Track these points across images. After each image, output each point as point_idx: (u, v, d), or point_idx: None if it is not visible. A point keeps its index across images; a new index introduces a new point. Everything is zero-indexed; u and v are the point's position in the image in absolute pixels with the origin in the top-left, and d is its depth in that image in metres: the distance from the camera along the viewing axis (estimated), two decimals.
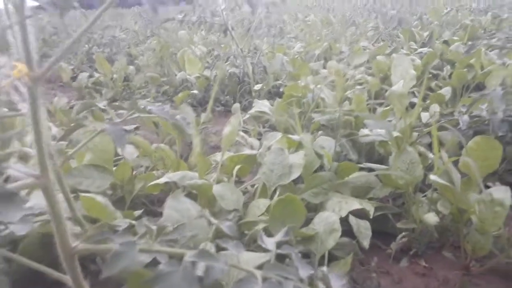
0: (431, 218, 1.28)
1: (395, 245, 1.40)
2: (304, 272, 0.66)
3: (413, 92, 2.88)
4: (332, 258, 1.31)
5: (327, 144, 1.69)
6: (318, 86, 2.18)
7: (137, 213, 1.37)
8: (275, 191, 1.45)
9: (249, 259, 0.88)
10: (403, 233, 1.41)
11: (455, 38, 4.00)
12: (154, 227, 0.84)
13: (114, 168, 1.58)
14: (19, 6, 0.51)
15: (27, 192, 1.18)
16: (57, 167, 0.95)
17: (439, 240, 1.44)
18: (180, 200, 1.17)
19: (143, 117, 1.26)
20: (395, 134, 1.59)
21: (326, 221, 1.25)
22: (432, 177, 1.24)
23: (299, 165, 1.48)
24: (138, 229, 0.99)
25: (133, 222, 1.05)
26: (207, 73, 3.57)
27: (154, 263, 0.94)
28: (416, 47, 4.09)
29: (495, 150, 1.41)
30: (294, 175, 1.46)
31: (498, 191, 1.27)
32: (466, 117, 1.76)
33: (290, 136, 1.58)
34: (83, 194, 1.14)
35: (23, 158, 1.37)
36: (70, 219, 1.04)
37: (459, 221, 1.31)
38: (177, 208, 1.13)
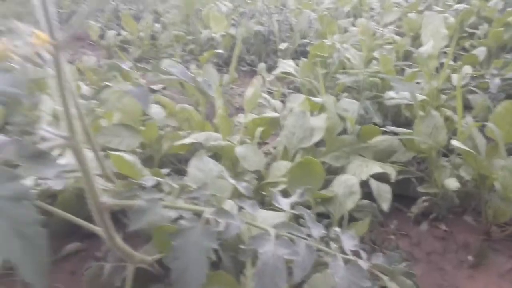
0: (452, 183, 1.27)
1: (415, 209, 1.42)
2: (316, 231, 0.69)
3: (445, 52, 2.77)
4: (352, 219, 1.34)
5: (350, 106, 1.68)
6: (344, 45, 2.12)
7: (165, 171, 1.42)
8: (296, 153, 1.47)
9: (267, 217, 0.92)
10: (424, 197, 1.41)
11: None
12: (177, 186, 0.88)
13: (142, 128, 1.63)
14: None
15: (61, 151, 1.25)
16: (87, 126, 1.00)
17: (461, 205, 1.44)
18: (204, 160, 1.22)
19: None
20: (421, 97, 1.56)
21: (345, 184, 1.27)
22: (454, 142, 1.23)
23: (321, 128, 1.49)
24: (164, 186, 1.05)
25: (160, 179, 1.11)
26: (232, 31, 3.53)
27: (180, 219, 1.00)
28: (452, 3, 3.88)
29: None
30: (316, 138, 1.48)
31: None
32: (497, 80, 1.70)
33: (313, 98, 1.58)
34: (112, 152, 1.19)
35: (56, 117, 1.44)
36: (101, 175, 1.11)
37: (481, 187, 1.31)
38: (201, 168, 1.17)
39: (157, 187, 1.07)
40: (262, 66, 2.93)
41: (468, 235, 1.35)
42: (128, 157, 1.18)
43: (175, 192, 0.80)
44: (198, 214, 0.68)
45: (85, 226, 0.82)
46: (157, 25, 3.97)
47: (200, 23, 3.92)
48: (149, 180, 1.05)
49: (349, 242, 0.73)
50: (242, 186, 0.77)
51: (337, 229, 0.77)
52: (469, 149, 1.22)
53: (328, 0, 4.77)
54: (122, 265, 1.02)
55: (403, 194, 1.52)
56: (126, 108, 1.59)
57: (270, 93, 2.48)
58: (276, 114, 1.59)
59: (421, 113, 1.53)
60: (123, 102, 1.65)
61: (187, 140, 1.47)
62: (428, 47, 2.05)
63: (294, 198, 0.77)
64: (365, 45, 2.22)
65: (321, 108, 1.61)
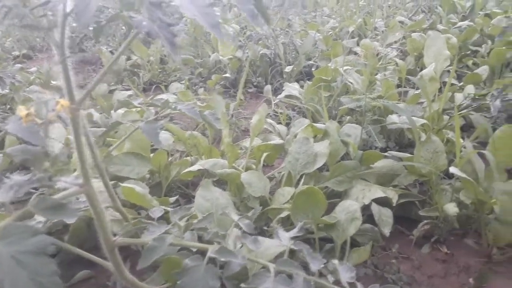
0: (451, 208, 1.31)
1: (417, 232, 1.45)
2: (315, 265, 0.73)
3: (449, 71, 2.81)
4: (354, 243, 1.38)
5: (353, 131, 1.73)
6: (345, 69, 2.18)
7: (172, 199, 1.48)
8: (300, 178, 1.52)
9: (269, 247, 0.96)
10: (426, 220, 1.44)
11: (497, 10, 3.78)
12: (182, 225, 0.93)
13: (151, 155, 1.70)
14: (60, 45, 0.59)
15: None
16: (99, 163, 1.06)
17: (462, 227, 1.47)
18: (210, 189, 1.27)
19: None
20: (421, 121, 1.60)
21: (348, 210, 1.31)
22: (452, 169, 1.26)
23: (324, 154, 1.54)
24: (172, 217, 1.10)
25: (168, 209, 1.17)
26: (239, 54, 3.62)
27: (186, 249, 1.06)
28: (456, 21, 3.93)
29: None
30: (319, 164, 1.52)
31: None
32: (497, 102, 1.73)
33: (315, 124, 1.63)
34: (123, 185, 1.26)
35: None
36: (111, 207, 1.17)
37: (480, 210, 1.34)
38: (207, 198, 1.23)
39: (165, 216, 1.13)
40: (268, 88, 3.00)
41: (469, 257, 1.38)
42: (138, 188, 1.24)
43: (181, 228, 0.85)
44: (202, 251, 0.73)
45: (95, 260, 0.87)
46: (166, 49, 4.09)
47: (209, 46, 4.03)
48: (156, 211, 1.11)
49: (346, 274, 0.77)
50: (244, 224, 0.81)
51: (335, 261, 0.81)
52: (466, 176, 1.25)
53: (333, 19, 4.87)
54: None
55: (406, 217, 1.55)
56: (135, 137, 1.66)
57: (276, 115, 2.54)
58: (280, 141, 1.64)
59: (423, 136, 1.57)
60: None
61: (194, 167, 1.52)
62: (429, 70, 2.10)
63: (294, 232, 0.81)
64: (367, 69, 2.28)
65: (324, 134, 1.67)
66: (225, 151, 1.61)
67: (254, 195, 1.45)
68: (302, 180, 1.51)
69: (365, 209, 1.44)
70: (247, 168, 1.66)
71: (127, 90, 3.36)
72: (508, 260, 1.35)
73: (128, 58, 4.03)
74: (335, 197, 1.54)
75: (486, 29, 3.38)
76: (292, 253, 0.88)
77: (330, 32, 4.22)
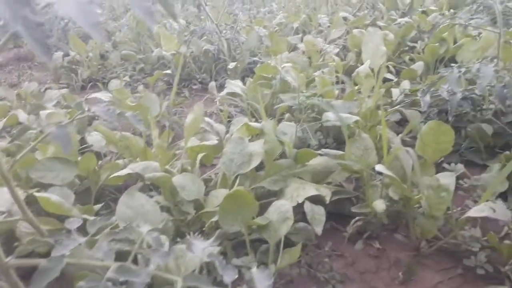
0: (379, 205, 1.33)
1: (350, 228, 1.46)
2: (228, 278, 0.70)
3: (388, 67, 2.89)
4: (289, 243, 1.37)
5: (289, 130, 1.72)
6: (285, 66, 2.18)
7: (97, 207, 1.40)
8: (235, 179, 1.49)
9: (192, 259, 0.92)
10: (358, 217, 1.46)
11: (433, 7, 3.95)
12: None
13: (79, 158, 1.60)
14: None
15: None
16: (5, 172, 0.97)
17: (393, 222, 1.50)
18: (134, 196, 1.21)
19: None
20: (354, 118, 1.62)
21: (280, 210, 1.30)
22: (378, 167, 1.28)
23: (259, 153, 1.52)
24: (89, 229, 1.03)
25: (89, 218, 1.09)
26: (183, 49, 3.53)
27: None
28: (396, 17, 4.05)
29: (447, 135, 1.45)
30: (254, 164, 1.50)
31: (444, 177, 1.33)
32: (427, 98, 1.79)
33: (251, 124, 1.60)
34: (39, 194, 1.17)
35: None
36: (23, 220, 1.08)
37: (408, 206, 1.37)
38: (130, 205, 1.17)
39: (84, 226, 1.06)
40: (212, 85, 2.95)
41: (400, 252, 1.41)
42: (54, 198, 1.15)
43: (89, 243, 0.79)
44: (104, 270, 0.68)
45: None
46: (108, 44, 3.92)
47: (152, 41, 3.90)
48: (73, 222, 1.03)
49: (262, 283, 0.75)
50: (152, 238, 0.77)
51: (254, 269, 0.79)
52: (392, 174, 1.28)
53: (280, 15, 4.87)
54: None
55: (341, 213, 1.56)
56: None
57: (221, 111, 2.50)
58: (215, 141, 1.60)
59: (352, 134, 1.59)
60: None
61: (123, 172, 1.45)
62: (365, 66, 2.14)
63: (209, 242, 0.78)
64: (306, 65, 2.29)
65: (260, 133, 1.64)
66: (156, 154, 1.55)
67: (188, 198, 1.40)
68: (238, 181, 1.48)
69: (300, 207, 1.44)
70: (183, 170, 1.61)
71: (63, 88, 3.19)
72: (436, 252, 1.39)
73: (66, 54, 3.83)
74: (271, 196, 1.53)
75: (423, 25, 3.51)
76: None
77: (277, 28, 4.22)
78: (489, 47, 2.58)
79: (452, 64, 1.78)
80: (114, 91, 2.39)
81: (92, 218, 1.07)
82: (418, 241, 1.41)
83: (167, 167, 1.53)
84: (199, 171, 1.64)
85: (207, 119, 1.85)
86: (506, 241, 1.30)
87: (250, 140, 1.58)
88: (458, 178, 1.75)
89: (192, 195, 1.41)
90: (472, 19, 2.35)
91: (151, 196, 1.55)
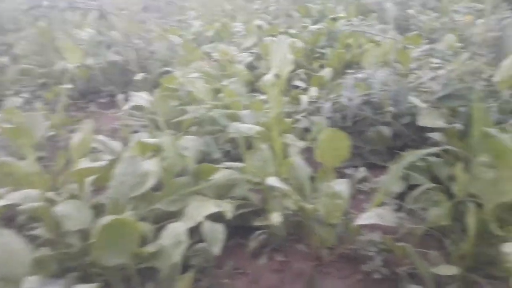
0: (276, 218, 1.30)
1: (253, 242, 1.42)
2: None
3: (299, 75, 2.92)
4: (190, 266, 1.30)
5: (191, 144, 1.64)
6: (192, 77, 2.10)
7: None
8: (128, 203, 1.38)
9: None
10: (260, 230, 1.43)
11: (342, 15, 4.11)
12: None
13: None
14: None
15: None
16: None
17: (295, 233, 1.48)
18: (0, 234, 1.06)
19: None
20: (256, 129, 1.59)
21: (173, 233, 1.22)
22: (270, 180, 1.25)
23: (155, 172, 1.42)
24: None
25: None
26: (91, 61, 3.31)
27: None
28: (308, 25, 4.15)
29: (343, 141, 1.46)
30: (149, 184, 1.40)
31: (338, 184, 1.33)
32: (327, 104, 1.81)
33: (145, 140, 1.51)
34: None
35: None
36: None
37: (305, 215, 1.36)
38: None
39: None
40: (120, 97, 2.78)
41: (303, 263, 1.39)
42: None
43: None
44: None
45: None
46: (5, 58, 3.58)
47: (56, 54, 3.62)
48: None
49: None
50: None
51: None
52: (283, 186, 1.25)
53: (197, 23, 4.79)
54: None
55: (246, 227, 1.51)
56: None
57: (127, 126, 2.35)
58: (104, 162, 1.47)
59: (261, 144, 1.55)
60: None
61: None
62: (270, 75, 2.13)
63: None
64: (215, 75, 2.24)
65: (158, 149, 1.55)
66: (36, 181, 1.39)
67: (73, 228, 1.27)
68: (132, 205, 1.37)
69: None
70: (72, 197, 1.46)
71: None
72: (337, 259, 1.39)
73: None
74: (172, 217, 1.44)
75: (332, 32, 3.63)
76: None
77: (193, 37, 4.13)
78: (389, 52, 2.72)
79: (349, 71, 1.84)
80: (3, 111, 2.16)
81: None
82: (318, 250, 1.40)
83: (50, 194, 1.38)
84: (91, 196, 1.50)
85: (100, 137, 1.71)
86: (401, 243, 1.33)
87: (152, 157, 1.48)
88: (360, 181, 1.81)
89: (77, 225, 1.28)
90: (369, 25, 2.46)
91: (33, 229, 1.40)
